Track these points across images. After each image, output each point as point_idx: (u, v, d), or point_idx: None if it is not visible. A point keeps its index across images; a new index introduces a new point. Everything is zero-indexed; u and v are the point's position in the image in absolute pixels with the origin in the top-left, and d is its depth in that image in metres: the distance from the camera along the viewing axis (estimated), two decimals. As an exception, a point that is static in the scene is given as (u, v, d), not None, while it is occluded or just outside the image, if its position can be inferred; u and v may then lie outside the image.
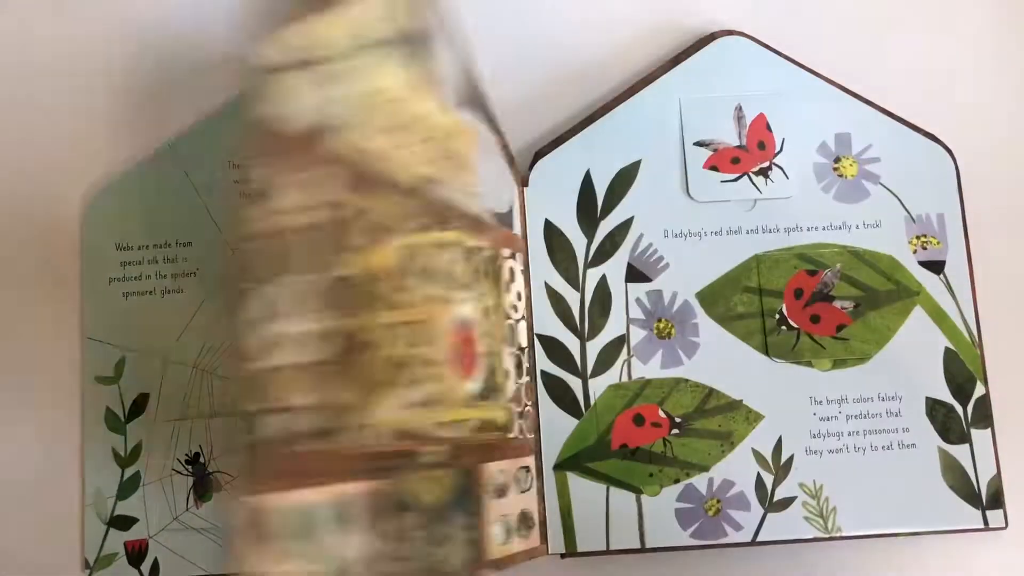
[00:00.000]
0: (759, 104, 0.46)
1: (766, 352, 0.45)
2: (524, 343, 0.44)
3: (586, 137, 0.46)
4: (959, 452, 0.44)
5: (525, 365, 0.44)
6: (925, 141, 0.47)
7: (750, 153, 0.46)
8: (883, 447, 0.44)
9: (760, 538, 0.43)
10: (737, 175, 0.46)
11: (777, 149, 0.46)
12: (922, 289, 0.45)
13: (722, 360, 0.45)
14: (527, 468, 0.43)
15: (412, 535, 0.33)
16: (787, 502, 0.43)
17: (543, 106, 0.48)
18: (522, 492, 0.43)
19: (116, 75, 0.49)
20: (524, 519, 0.42)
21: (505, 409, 0.41)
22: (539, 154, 0.46)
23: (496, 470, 0.40)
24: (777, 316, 0.45)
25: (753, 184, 0.46)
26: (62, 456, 0.45)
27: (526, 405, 0.44)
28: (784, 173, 0.46)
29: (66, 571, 0.44)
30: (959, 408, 0.44)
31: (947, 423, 0.44)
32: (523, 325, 0.44)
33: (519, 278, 0.44)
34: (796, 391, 0.44)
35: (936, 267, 0.46)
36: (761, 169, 0.46)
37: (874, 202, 0.46)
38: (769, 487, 0.44)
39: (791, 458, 0.44)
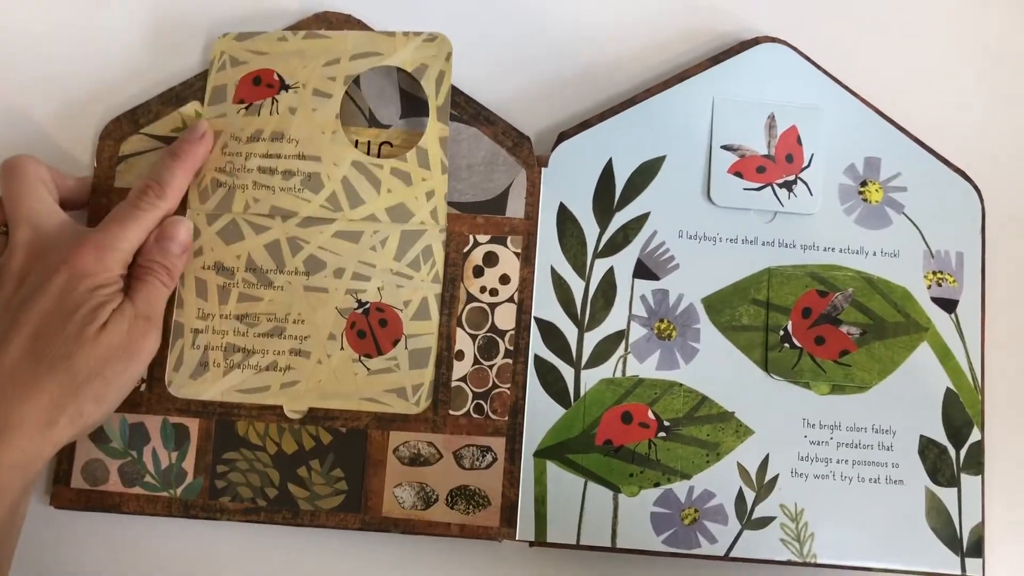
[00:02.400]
0: (792, 115, 0.45)
1: (765, 368, 0.44)
2: (507, 326, 0.43)
3: (613, 125, 0.45)
4: (946, 495, 0.43)
5: (505, 347, 0.43)
6: (955, 177, 0.46)
7: (777, 164, 0.45)
8: (870, 479, 0.43)
9: (733, 554, 0.42)
10: (761, 184, 0.45)
11: (805, 164, 0.45)
12: (931, 326, 0.44)
13: (719, 369, 0.44)
14: (485, 448, 0.42)
15: (257, 468, 0.42)
16: (765, 521, 0.43)
17: (575, 91, 0.47)
18: (470, 469, 0.42)
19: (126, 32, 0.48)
20: (468, 496, 0.42)
21: (413, 386, 0.43)
22: (563, 136, 0.45)
23: (401, 440, 0.43)
24: (781, 332, 0.44)
25: (776, 196, 0.45)
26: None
27: (496, 386, 0.43)
28: (808, 189, 0.45)
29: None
30: (952, 451, 0.44)
31: (938, 464, 0.43)
32: (508, 307, 0.44)
33: (510, 260, 0.44)
34: (790, 411, 0.44)
35: (949, 306, 0.45)
36: (786, 182, 0.45)
37: (895, 231, 0.45)
38: (749, 504, 0.43)
39: (776, 478, 0.43)
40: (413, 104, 0.45)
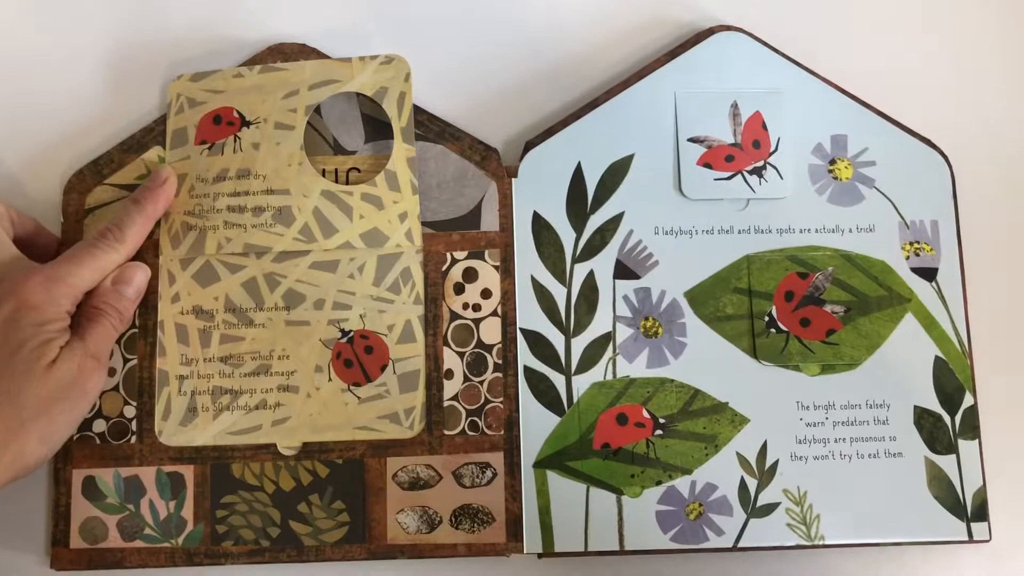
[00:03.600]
0: (755, 102, 0.45)
1: (754, 355, 0.44)
2: (494, 340, 0.43)
3: (578, 129, 0.45)
4: (945, 463, 0.43)
5: (493, 361, 0.43)
6: (922, 147, 0.46)
7: (745, 151, 0.45)
8: (869, 455, 0.43)
9: (741, 544, 0.42)
10: (731, 173, 0.45)
11: (772, 148, 0.45)
12: (914, 296, 0.45)
13: (709, 361, 0.44)
14: (484, 465, 0.42)
15: (257, 509, 0.42)
16: (770, 508, 0.43)
17: (536, 96, 0.47)
18: (471, 487, 0.42)
19: (95, 56, 0.48)
20: (472, 514, 0.42)
21: (406, 410, 0.43)
22: (529, 145, 0.45)
23: (399, 465, 0.42)
24: (766, 318, 0.44)
25: (747, 183, 0.45)
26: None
27: (489, 401, 0.43)
28: (778, 173, 0.45)
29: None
30: (947, 418, 0.44)
31: (934, 433, 0.44)
32: (493, 321, 0.43)
33: (490, 274, 0.44)
34: (783, 395, 0.44)
35: (928, 274, 0.45)
36: (755, 168, 0.45)
37: (868, 206, 0.45)
38: (752, 492, 0.43)
39: (776, 463, 0.43)
40: (377, 127, 0.45)
